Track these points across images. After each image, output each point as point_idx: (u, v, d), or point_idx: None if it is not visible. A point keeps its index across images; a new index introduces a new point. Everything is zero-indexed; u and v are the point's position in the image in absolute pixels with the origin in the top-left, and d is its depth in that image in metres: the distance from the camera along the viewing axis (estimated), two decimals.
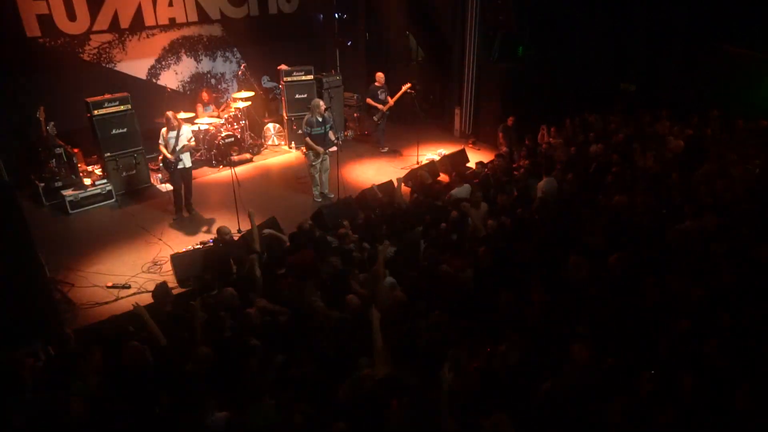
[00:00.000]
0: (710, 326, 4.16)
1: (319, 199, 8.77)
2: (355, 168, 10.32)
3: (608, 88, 11.35)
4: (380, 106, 10.57)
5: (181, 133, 7.89)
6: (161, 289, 5.39)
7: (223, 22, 11.05)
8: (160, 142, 7.97)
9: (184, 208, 8.30)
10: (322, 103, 8.57)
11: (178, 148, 7.87)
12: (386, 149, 11.00)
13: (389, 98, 10.58)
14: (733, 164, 7.50)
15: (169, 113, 7.94)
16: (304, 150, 8.63)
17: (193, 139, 8.28)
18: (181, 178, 8.11)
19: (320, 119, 8.45)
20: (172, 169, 8.02)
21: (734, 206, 6.30)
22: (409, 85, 10.38)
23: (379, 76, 10.73)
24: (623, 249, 5.32)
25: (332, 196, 8.86)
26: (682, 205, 6.40)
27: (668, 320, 4.23)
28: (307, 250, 5.95)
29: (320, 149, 8.48)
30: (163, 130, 7.90)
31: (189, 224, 8.14)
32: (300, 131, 8.88)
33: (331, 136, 8.66)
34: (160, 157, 8.20)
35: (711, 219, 5.78)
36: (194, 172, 8.95)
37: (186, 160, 8.05)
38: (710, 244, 5.31)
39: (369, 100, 10.72)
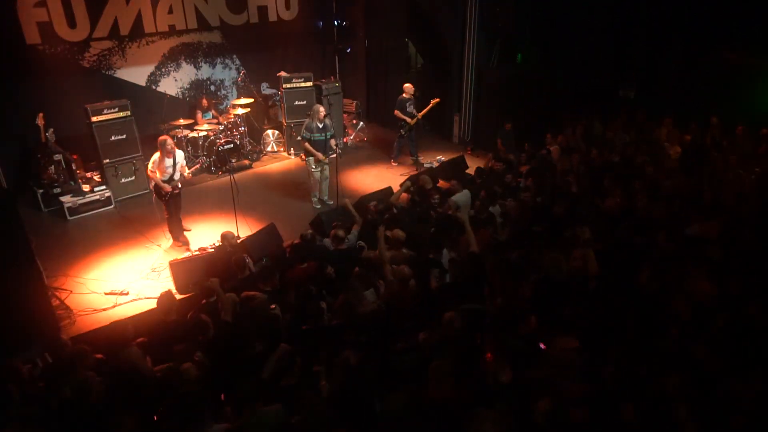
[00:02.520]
0: (708, 329, 4.15)
1: (318, 206, 8.74)
2: (353, 174, 10.32)
3: (608, 95, 11.38)
4: (408, 119, 10.21)
5: (177, 161, 7.27)
6: (166, 298, 5.28)
7: (222, 29, 11.08)
8: (152, 169, 7.21)
9: (182, 227, 7.80)
10: (322, 108, 8.47)
11: (176, 177, 7.31)
12: (396, 164, 10.70)
13: (416, 111, 10.22)
14: (733, 170, 7.51)
15: (169, 139, 7.24)
16: (303, 156, 8.59)
17: (185, 163, 7.59)
18: (174, 203, 7.50)
19: (320, 125, 8.39)
20: (167, 198, 7.36)
21: (735, 211, 6.30)
22: (437, 100, 10.13)
23: (408, 87, 10.16)
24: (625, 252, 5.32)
25: (331, 203, 8.84)
26: (681, 209, 6.41)
27: (665, 324, 4.22)
28: (310, 263, 5.93)
29: (320, 155, 8.41)
30: (156, 157, 7.15)
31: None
32: (299, 138, 8.82)
33: (332, 143, 8.62)
34: (152, 185, 7.49)
35: (717, 224, 5.77)
36: (193, 179, 8.93)
37: (179, 187, 7.51)
38: (712, 249, 5.30)
39: (397, 113, 10.25)
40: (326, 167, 8.65)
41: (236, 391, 3.90)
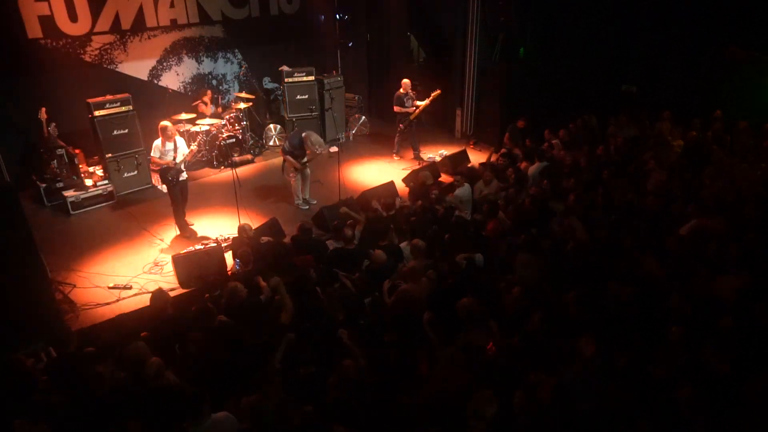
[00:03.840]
0: (710, 330, 4.14)
1: (305, 207, 8.63)
2: (355, 169, 10.32)
3: (610, 90, 11.35)
4: (411, 109, 10.09)
5: (178, 145, 7.39)
6: (159, 295, 5.34)
7: (224, 23, 11.04)
8: (154, 155, 7.33)
9: (185, 221, 7.79)
10: (320, 149, 8.30)
11: (179, 159, 7.37)
12: (398, 158, 10.68)
13: (416, 104, 10.12)
14: (736, 166, 7.49)
15: (169, 124, 7.38)
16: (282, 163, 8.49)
17: (190, 147, 7.64)
18: (181, 191, 7.58)
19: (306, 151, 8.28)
20: (174, 183, 7.43)
21: (737, 208, 6.29)
22: (438, 91, 10.02)
23: (405, 83, 10.09)
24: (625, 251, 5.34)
25: (314, 202, 8.74)
26: (683, 206, 6.41)
27: (666, 324, 4.22)
28: (308, 257, 5.96)
29: (298, 165, 8.29)
30: (158, 142, 7.30)
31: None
32: (281, 149, 8.71)
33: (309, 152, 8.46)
34: (157, 171, 7.56)
35: (715, 220, 5.77)
36: (195, 173, 8.92)
37: (184, 172, 7.61)
38: (712, 245, 5.30)
39: (397, 108, 10.17)
40: (306, 168, 8.57)
41: (248, 380, 3.93)
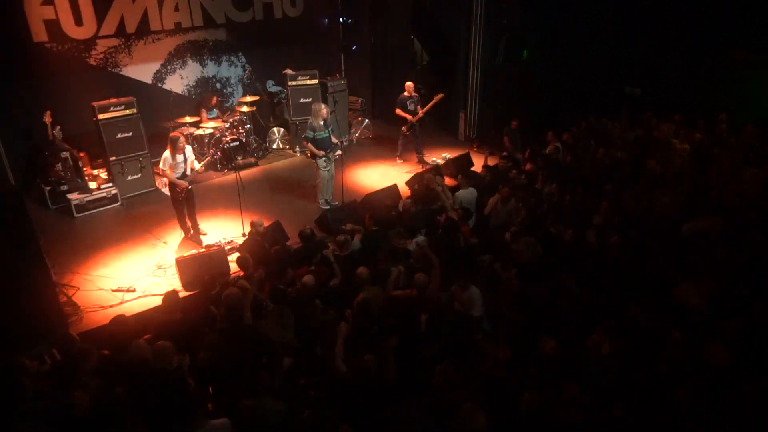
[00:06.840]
0: (714, 330, 4.13)
1: (326, 206, 8.65)
2: (358, 172, 10.32)
3: (613, 92, 11.32)
4: (409, 117, 10.12)
5: (187, 156, 7.26)
6: (171, 296, 5.31)
7: (228, 26, 11.09)
8: (164, 168, 7.20)
9: (191, 229, 7.73)
10: (323, 107, 8.38)
11: (189, 172, 7.32)
12: (402, 161, 10.68)
13: (419, 109, 10.14)
14: (741, 168, 7.45)
15: (181, 136, 7.24)
16: (309, 154, 8.52)
17: (194, 158, 7.51)
18: (186, 199, 7.47)
19: (322, 123, 8.33)
20: (182, 197, 7.39)
21: (741, 209, 6.26)
22: (441, 95, 10.01)
23: (408, 85, 10.15)
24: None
25: (336, 203, 8.75)
26: (688, 207, 6.39)
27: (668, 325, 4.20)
28: (320, 268, 5.94)
29: (321, 153, 8.29)
30: (167, 154, 7.12)
31: None
32: (303, 138, 8.74)
33: (334, 139, 8.59)
34: (167, 183, 7.45)
35: (716, 221, 5.75)
36: (199, 176, 8.93)
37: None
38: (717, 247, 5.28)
39: (398, 111, 10.19)
40: (332, 165, 8.63)
41: (243, 384, 3.92)
